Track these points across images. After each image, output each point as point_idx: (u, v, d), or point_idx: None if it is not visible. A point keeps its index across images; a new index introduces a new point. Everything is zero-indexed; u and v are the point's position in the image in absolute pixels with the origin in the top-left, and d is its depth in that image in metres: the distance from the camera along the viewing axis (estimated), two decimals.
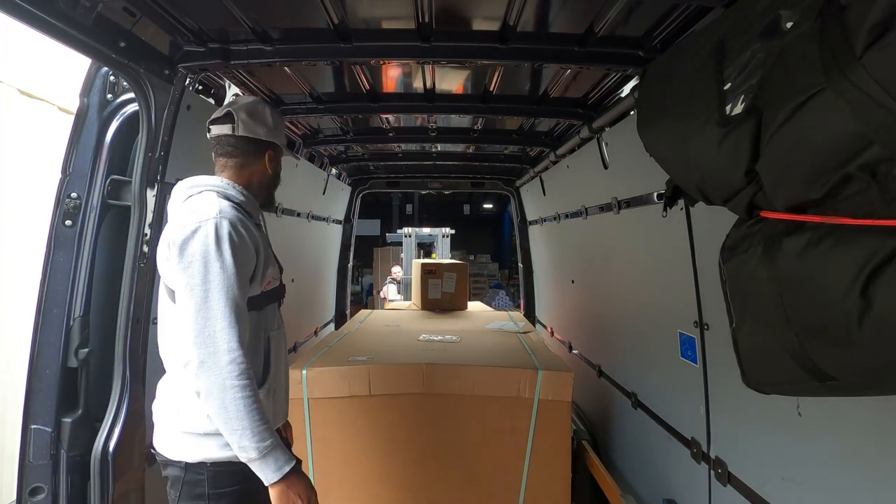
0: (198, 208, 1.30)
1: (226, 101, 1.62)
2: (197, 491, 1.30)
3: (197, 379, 1.21)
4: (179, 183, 1.41)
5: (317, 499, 1.31)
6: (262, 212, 1.54)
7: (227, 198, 1.36)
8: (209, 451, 1.30)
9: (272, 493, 1.25)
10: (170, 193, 1.71)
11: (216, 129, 1.42)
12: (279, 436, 1.31)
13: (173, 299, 1.31)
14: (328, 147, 3.24)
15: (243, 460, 1.23)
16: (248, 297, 1.32)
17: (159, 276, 1.39)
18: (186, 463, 1.30)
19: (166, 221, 1.41)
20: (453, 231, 8.95)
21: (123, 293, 1.57)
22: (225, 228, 1.26)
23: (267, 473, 1.23)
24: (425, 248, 9.59)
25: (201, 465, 1.30)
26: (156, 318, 1.70)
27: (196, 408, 1.26)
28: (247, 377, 1.22)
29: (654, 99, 1.34)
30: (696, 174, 1.09)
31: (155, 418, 1.40)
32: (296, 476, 1.26)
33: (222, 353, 1.20)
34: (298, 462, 1.29)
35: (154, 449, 1.39)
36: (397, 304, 4.77)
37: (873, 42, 0.70)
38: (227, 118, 1.40)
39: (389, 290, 8.32)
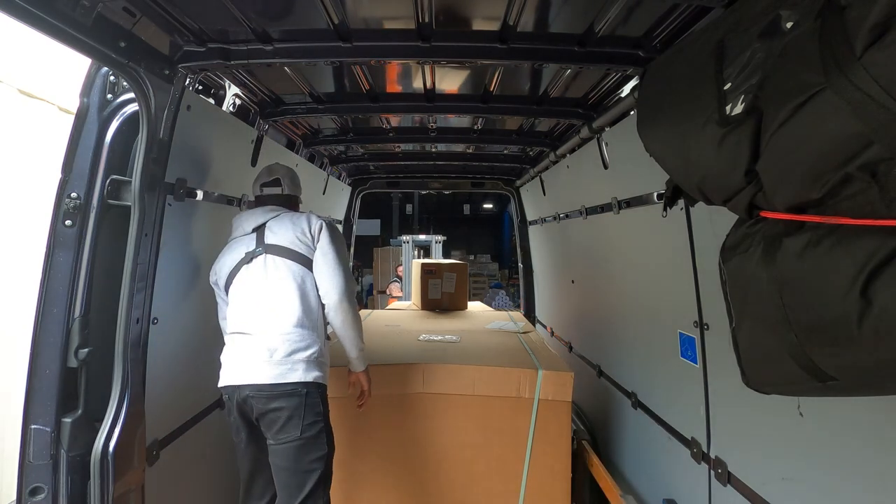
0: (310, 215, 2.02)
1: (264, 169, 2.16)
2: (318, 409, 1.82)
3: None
4: (247, 212, 2.04)
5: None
6: None
7: None
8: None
9: (360, 375, 2.05)
10: (171, 193, 1.72)
11: (268, 190, 2.08)
12: None
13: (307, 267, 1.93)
14: (328, 147, 3.24)
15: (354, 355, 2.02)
16: None
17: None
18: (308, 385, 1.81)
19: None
20: (445, 237, 10.56)
21: (123, 293, 1.57)
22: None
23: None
24: (424, 247, 10.35)
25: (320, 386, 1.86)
26: (156, 318, 1.70)
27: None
28: None
29: (654, 99, 1.34)
30: (696, 174, 1.09)
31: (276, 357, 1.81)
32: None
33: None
34: None
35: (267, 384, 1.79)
36: (397, 304, 4.77)
37: (873, 42, 0.70)
38: (276, 183, 2.08)
39: (393, 288, 8.79)
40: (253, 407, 1.78)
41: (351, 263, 4.70)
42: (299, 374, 1.79)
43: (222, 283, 1.94)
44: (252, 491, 1.93)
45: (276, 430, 1.76)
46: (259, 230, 1.95)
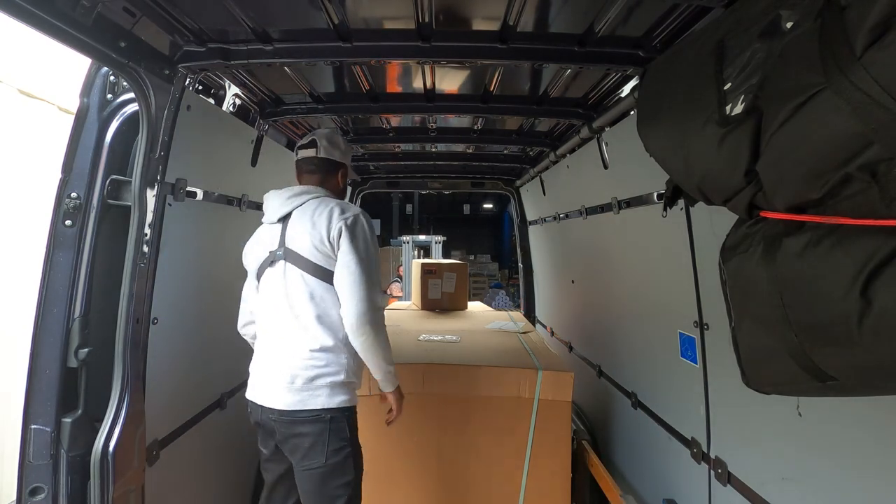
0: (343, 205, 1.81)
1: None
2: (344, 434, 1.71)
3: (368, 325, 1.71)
4: (275, 192, 1.86)
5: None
6: None
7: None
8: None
9: (388, 395, 1.88)
10: (171, 193, 1.72)
11: (303, 153, 1.90)
12: None
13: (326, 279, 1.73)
14: None
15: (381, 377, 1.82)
16: None
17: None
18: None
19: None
20: (445, 237, 10.62)
21: (123, 293, 1.57)
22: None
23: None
24: (424, 248, 10.46)
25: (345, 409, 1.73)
26: (156, 318, 1.70)
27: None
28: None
29: (654, 99, 1.34)
30: (696, 174, 1.09)
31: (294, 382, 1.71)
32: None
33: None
34: None
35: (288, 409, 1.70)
36: (397, 304, 4.78)
37: (873, 42, 0.70)
38: (311, 144, 1.88)
39: (394, 288, 8.87)
40: (276, 430, 1.73)
41: None
42: (322, 399, 1.67)
43: (252, 273, 1.86)
44: (273, 497, 1.88)
45: (301, 457, 1.69)
46: (284, 222, 1.79)
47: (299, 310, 1.71)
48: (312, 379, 1.68)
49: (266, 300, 1.80)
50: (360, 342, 1.69)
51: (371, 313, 1.68)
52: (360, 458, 1.77)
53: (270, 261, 1.78)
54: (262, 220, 1.87)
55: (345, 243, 1.69)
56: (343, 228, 1.70)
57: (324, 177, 1.90)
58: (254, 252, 1.85)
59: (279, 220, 1.80)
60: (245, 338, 1.98)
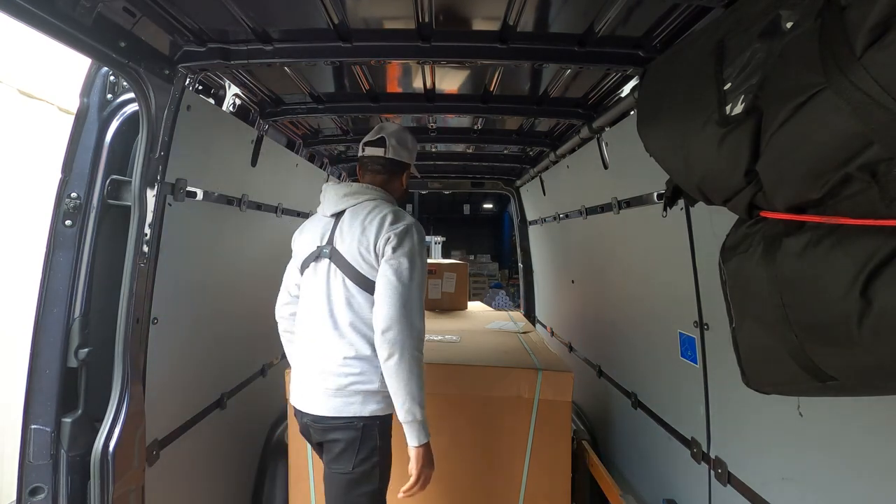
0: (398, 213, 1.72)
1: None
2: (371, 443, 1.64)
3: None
4: (332, 185, 1.83)
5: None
6: None
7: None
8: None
9: (413, 451, 1.63)
10: (171, 193, 1.72)
11: (369, 150, 1.82)
12: None
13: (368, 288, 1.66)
14: (328, 147, 3.24)
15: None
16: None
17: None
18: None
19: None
20: (445, 237, 10.61)
21: (123, 293, 1.57)
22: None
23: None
24: None
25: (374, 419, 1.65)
26: (156, 318, 1.70)
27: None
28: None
29: (654, 99, 1.34)
30: (696, 174, 1.09)
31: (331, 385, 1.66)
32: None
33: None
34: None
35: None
36: None
37: (873, 42, 0.70)
38: (380, 143, 1.80)
39: None
40: (311, 433, 1.75)
41: None
42: (356, 407, 1.64)
43: (298, 263, 1.83)
44: None
45: (331, 459, 1.69)
46: (337, 218, 1.75)
47: (337, 315, 1.68)
48: (346, 386, 1.64)
49: (306, 300, 1.77)
50: (385, 365, 1.58)
51: (403, 334, 1.55)
52: (388, 468, 1.71)
53: (316, 255, 1.75)
54: (318, 209, 1.85)
55: (389, 252, 1.62)
56: (392, 238, 1.62)
57: (388, 178, 1.83)
58: (303, 241, 1.82)
59: (332, 216, 1.77)
60: (279, 321, 1.94)
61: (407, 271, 1.61)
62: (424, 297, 1.67)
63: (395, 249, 1.62)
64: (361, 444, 1.63)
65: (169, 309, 1.79)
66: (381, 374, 1.62)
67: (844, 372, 0.83)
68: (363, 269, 1.65)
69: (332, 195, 1.80)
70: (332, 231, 1.74)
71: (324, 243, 1.74)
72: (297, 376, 1.79)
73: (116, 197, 1.60)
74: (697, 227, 1.76)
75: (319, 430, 1.70)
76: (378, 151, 1.80)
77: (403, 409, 1.59)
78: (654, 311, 2.22)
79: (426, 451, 1.64)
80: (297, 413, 1.77)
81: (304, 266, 1.79)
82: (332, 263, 1.70)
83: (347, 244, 1.68)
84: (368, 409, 1.65)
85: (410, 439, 1.63)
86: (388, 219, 1.66)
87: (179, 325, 1.91)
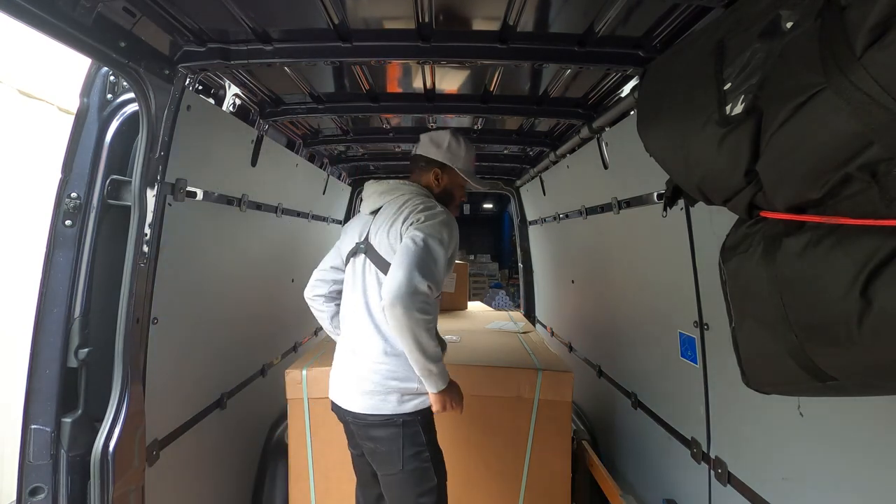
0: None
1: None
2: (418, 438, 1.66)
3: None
4: (373, 183, 1.89)
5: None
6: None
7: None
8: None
9: (435, 397, 1.65)
10: (171, 193, 1.72)
11: (414, 149, 1.93)
12: None
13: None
14: (328, 147, 3.24)
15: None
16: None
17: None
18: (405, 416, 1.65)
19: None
20: None
21: (123, 293, 1.57)
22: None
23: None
24: None
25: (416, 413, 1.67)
26: (156, 318, 1.70)
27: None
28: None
29: (654, 99, 1.34)
30: (696, 174, 1.08)
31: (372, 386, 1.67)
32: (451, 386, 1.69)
33: None
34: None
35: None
36: None
37: (873, 42, 0.70)
38: (418, 140, 1.92)
39: None
40: (354, 432, 1.75)
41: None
42: (392, 405, 1.63)
43: (343, 258, 1.87)
44: (366, 497, 1.90)
45: (379, 463, 1.69)
46: (374, 215, 1.81)
47: (374, 310, 1.70)
48: (381, 384, 1.64)
49: (346, 296, 1.83)
50: (392, 326, 1.54)
51: (408, 292, 1.50)
52: (441, 462, 1.70)
53: (354, 251, 1.81)
54: (360, 208, 1.94)
55: (412, 230, 1.61)
56: (417, 218, 1.64)
57: (420, 174, 1.89)
58: (347, 237, 1.90)
59: (371, 213, 1.84)
60: (308, 302, 2.00)
61: (422, 241, 1.58)
62: (443, 278, 1.61)
63: (417, 226, 1.62)
64: (406, 441, 1.63)
65: (169, 309, 1.79)
66: None
67: (844, 372, 0.83)
68: (392, 258, 1.64)
69: (370, 193, 1.87)
70: (368, 227, 1.80)
71: (361, 239, 1.80)
72: (337, 374, 1.79)
73: (116, 197, 1.60)
74: (697, 227, 1.76)
75: (361, 427, 1.68)
76: (414, 149, 1.93)
77: (418, 365, 1.59)
78: (654, 311, 2.22)
79: (447, 393, 1.66)
80: (338, 410, 1.76)
81: (347, 259, 1.84)
82: (367, 258, 1.74)
83: (380, 238, 1.71)
84: (408, 406, 1.65)
85: (430, 386, 1.64)
86: (419, 206, 1.70)
87: (179, 325, 1.91)
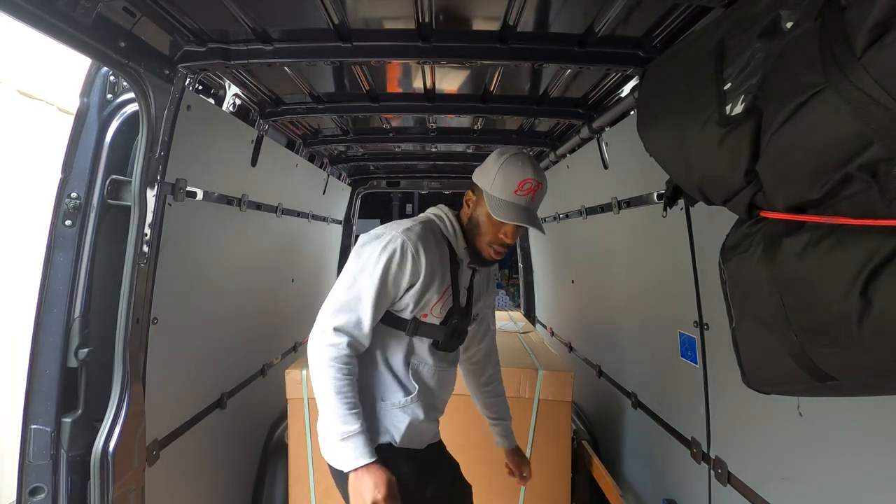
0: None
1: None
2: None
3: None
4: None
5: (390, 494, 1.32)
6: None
7: (430, 225, 1.51)
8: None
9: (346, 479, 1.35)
10: (171, 193, 1.72)
11: None
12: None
13: None
14: (328, 147, 3.24)
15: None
16: (392, 316, 1.46)
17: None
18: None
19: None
20: None
21: (123, 293, 1.57)
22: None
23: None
24: None
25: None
26: (156, 318, 1.70)
27: None
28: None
29: (654, 99, 1.34)
30: (696, 174, 1.08)
31: None
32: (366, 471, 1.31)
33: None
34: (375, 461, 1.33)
35: None
36: None
37: (873, 42, 0.70)
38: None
39: None
40: None
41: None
42: (325, 451, 1.41)
43: None
44: None
45: None
46: None
47: None
48: (319, 431, 1.42)
49: None
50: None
51: (316, 336, 1.36)
52: (413, 499, 1.42)
53: None
54: None
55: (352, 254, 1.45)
56: (358, 241, 1.46)
57: (464, 199, 1.56)
58: None
59: None
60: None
61: (349, 272, 1.40)
62: (365, 306, 1.37)
63: (352, 256, 1.44)
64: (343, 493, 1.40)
65: (169, 309, 1.79)
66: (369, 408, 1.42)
67: (844, 372, 0.83)
68: None
69: None
70: None
71: None
72: None
73: (116, 197, 1.60)
74: (697, 227, 1.76)
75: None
76: None
77: (319, 419, 1.36)
78: (654, 311, 2.22)
79: (354, 479, 1.31)
80: None
81: None
82: None
83: None
84: (328, 456, 1.41)
85: (326, 454, 1.39)
86: (372, 232, 1.47)
87: (179, 325, 1.91)
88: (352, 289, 1.38)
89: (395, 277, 1.39)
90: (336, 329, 1.35)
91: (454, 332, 1.55)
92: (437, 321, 1.51)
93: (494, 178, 1.45)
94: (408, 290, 1.42)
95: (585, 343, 3.37)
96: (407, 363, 1.49)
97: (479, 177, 1.51)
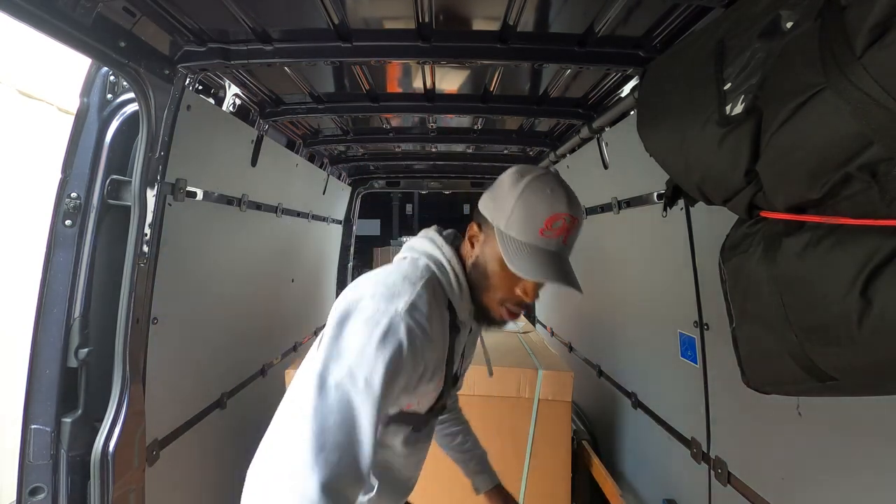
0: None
1: None
2: None
3: None
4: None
5: None
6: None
7: (433, 284, 1.04)
8: None
9: None
10: (171, 193, 1.72)
11: None
12: None
13: None
14: (328, 147, 3.24)
15: None
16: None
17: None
18: None
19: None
20: None
21: (123, 293, 1.57)
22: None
23: None
24: None
25: None
26: (156, 318, 1.70)
27: None
28: None
29: (654, 99, 1.34)
30: (696, 174, 1.09)
31: None
32: None
33: None
34: None
35: None
36: None
37: (873, 42, 0.70)
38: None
39: None
40: None
41: (351, 264, 4.71)
42: None
43: None
44: None
45: None
46: None
47: None
48: None
49: None
50: None
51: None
52: None
53: None
54: None
55: (315, 350, 0.98)
56: (337, 310, 0.95)
57: (468, 235, 1.11)
58: None
59: None
60: None
61: (310, 372, 0.89)
62: (365, 431, 0.86)
63: (325, 339, 0.92)
64: None
65: (169, 309, 1.79)
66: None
67: (844, 372, 0.83)
68: None
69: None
70: None
71: None
72: None
73: (116, 197, 1.60)
74: (697, 227, 1.76)
75: None
76: None
77: None
78: (654, 311, 2.22)
79: None
80: None
81: None
82: None
83: None
84: None
85: None
86: (351, 290, 1.00)
87: (179, 325, 1.91)
88: (339, 408, 0.85)
89: (403, 380, 0.93)
90: (325, 488, 0.80)
91: (439, 410, 1.19)
92: (423, 409, 1.14)
93: (512, 212, 1.02)
94: (405, 387, 0.97)
95: (585, 343, 3.37)
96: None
97: (488, 206, 1.06)
